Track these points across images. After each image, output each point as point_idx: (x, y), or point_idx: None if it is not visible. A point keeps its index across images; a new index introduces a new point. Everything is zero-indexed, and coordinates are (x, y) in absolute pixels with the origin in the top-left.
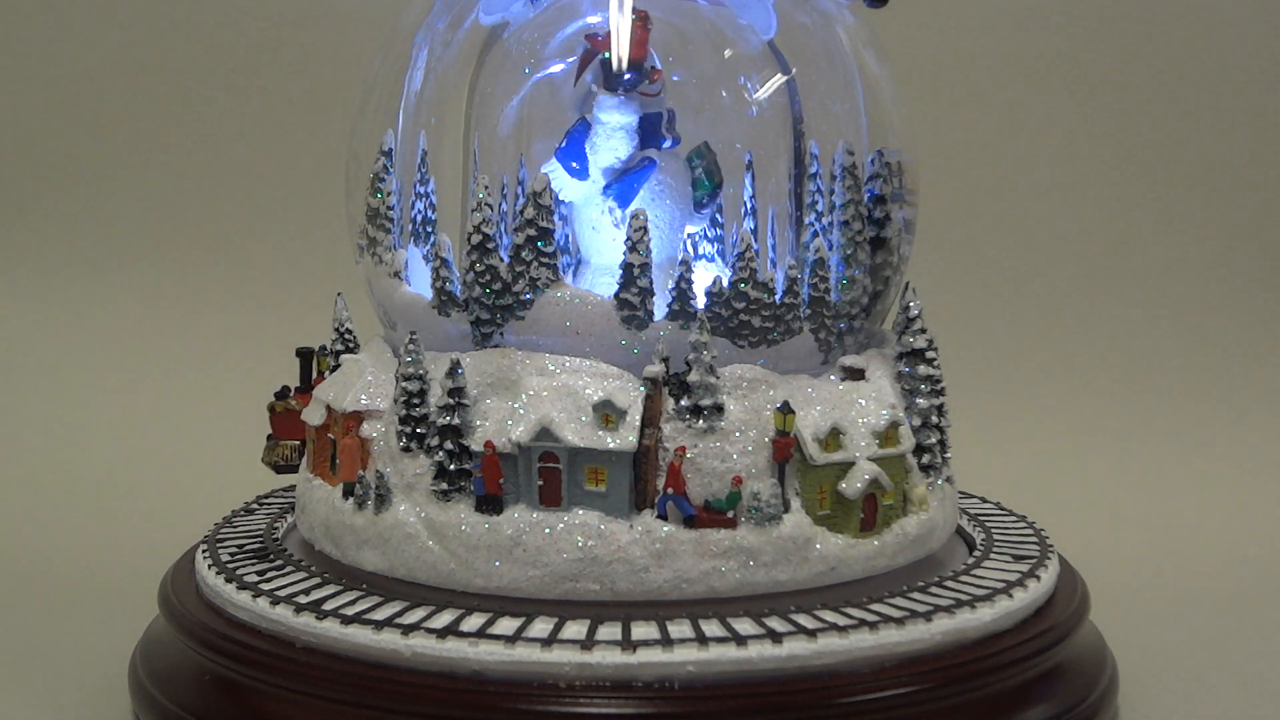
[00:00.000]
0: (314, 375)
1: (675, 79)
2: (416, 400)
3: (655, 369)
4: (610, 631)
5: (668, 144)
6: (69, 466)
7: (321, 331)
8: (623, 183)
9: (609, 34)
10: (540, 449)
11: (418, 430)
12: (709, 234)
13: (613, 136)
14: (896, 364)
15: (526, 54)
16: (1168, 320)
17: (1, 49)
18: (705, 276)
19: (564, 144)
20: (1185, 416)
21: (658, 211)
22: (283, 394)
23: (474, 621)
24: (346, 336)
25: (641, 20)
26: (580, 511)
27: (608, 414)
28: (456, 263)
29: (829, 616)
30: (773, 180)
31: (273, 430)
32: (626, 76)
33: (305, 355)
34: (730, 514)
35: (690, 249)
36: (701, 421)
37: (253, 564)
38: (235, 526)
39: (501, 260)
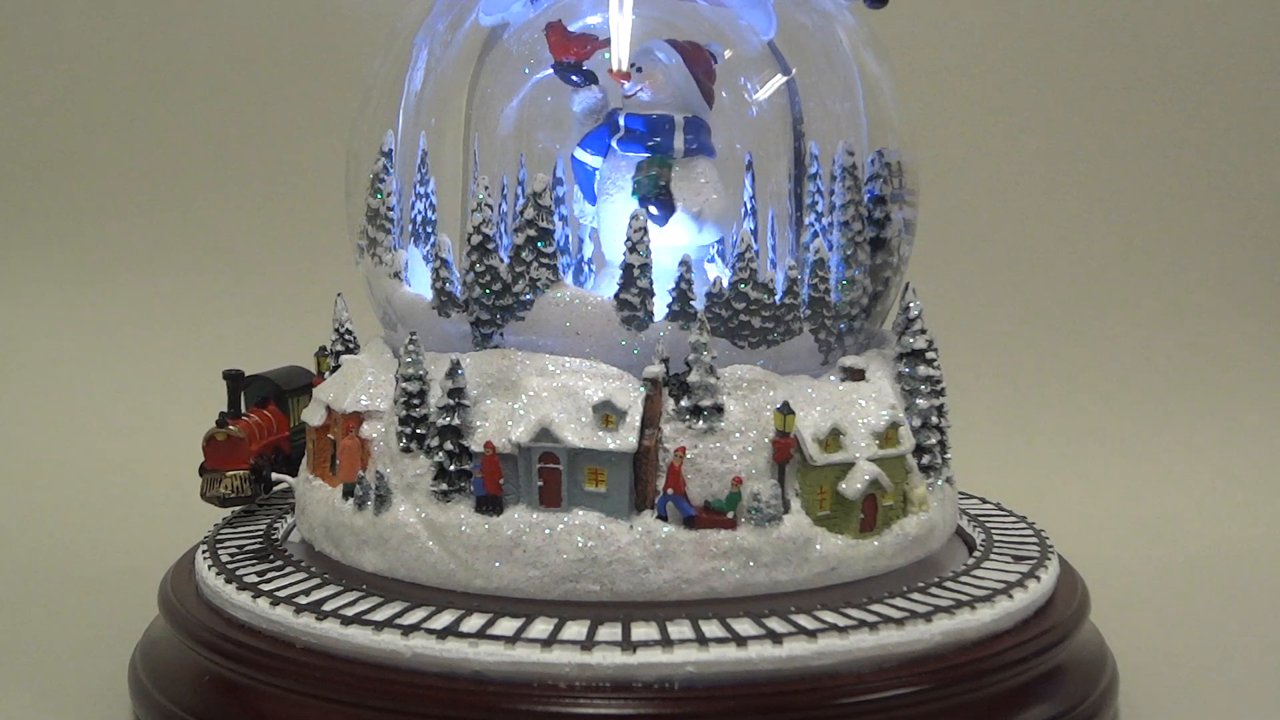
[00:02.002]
0: (242, 399)
1: None
2: (416, 401)
3: (655, 369)
4: (610, 632)
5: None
6: (69, 467)
7: (321, 332)
8: (577, 174)
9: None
10: (540, 449)
11: (418, 431)
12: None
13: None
14: (896, 364)
15: (526, 54)
16: (1168, 320)
17: (2, 50)
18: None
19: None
20: (1185, 417)
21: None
22: (223, 421)
23: (474, 622)
24: (346, 337)
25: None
26: (580, 512)
27: (608, 414)
28: (456, 263)
29: (829, 617)
30: (773, 181)
31: (211, 461)
32: (574, 78)
33: (234, 378)
34: (730, 514)
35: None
36: (701, 422)
37: (253, 564)
38: (235, 527)
39: (501, 261)
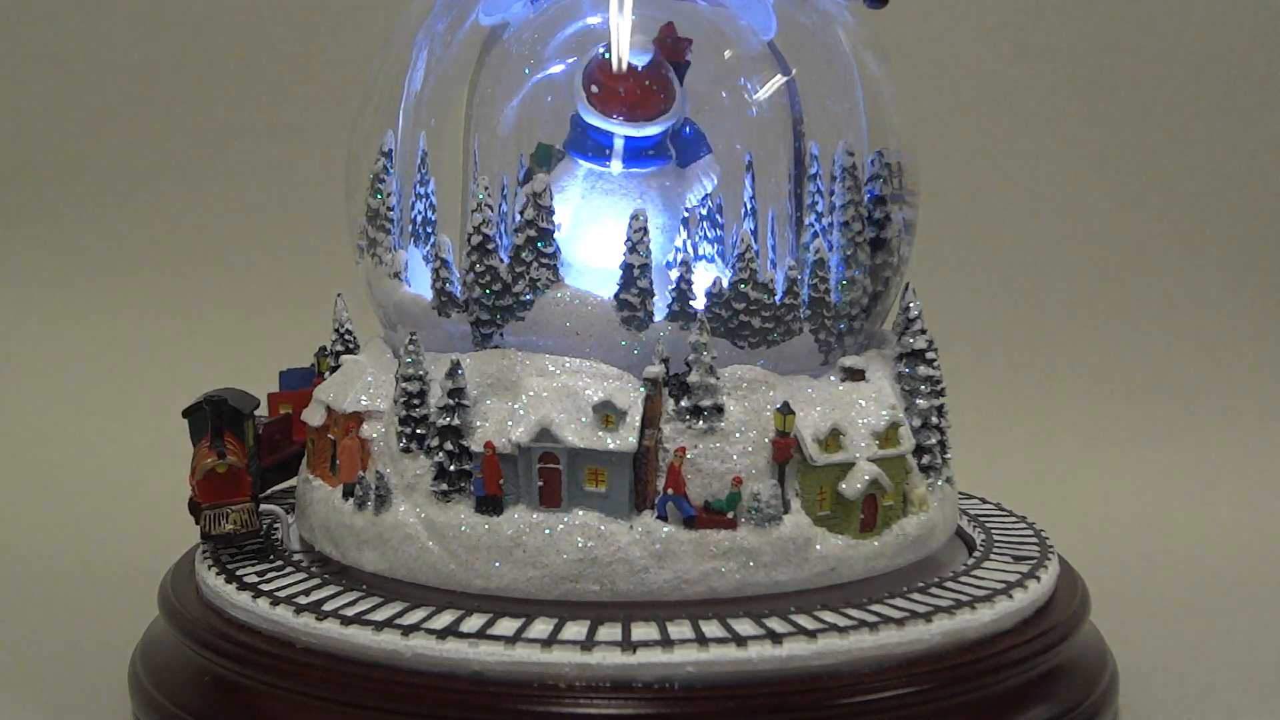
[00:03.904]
0: (222, 428)
1: None
2: (416, 401)
3: (655, 369)
4: (610, 632)
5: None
6: (69, 467)
7: (321, 332)
8: None
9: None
10: (540, 450)
11: (418, 431)
12: (708, 234)
13: None
14: (896, 364)
15: (526, 54)
16: (1168, 321)
17: (2, 50)
18: (705, 277)
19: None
20: (1186, 416)
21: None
22: (222, 451)
23: (474, 622)
24: (346, 337)
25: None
26: (580, 512)
27: (608, 415)
28: (456, 263)
29: (829, 617)
30: (773, 181)
31: (211, 495)
32: None
33: (217, 404)
34: (730, 515)
35: (690, 249)
36: (701, 422)
37: (253, 564)
38: None
39: (501, 261)
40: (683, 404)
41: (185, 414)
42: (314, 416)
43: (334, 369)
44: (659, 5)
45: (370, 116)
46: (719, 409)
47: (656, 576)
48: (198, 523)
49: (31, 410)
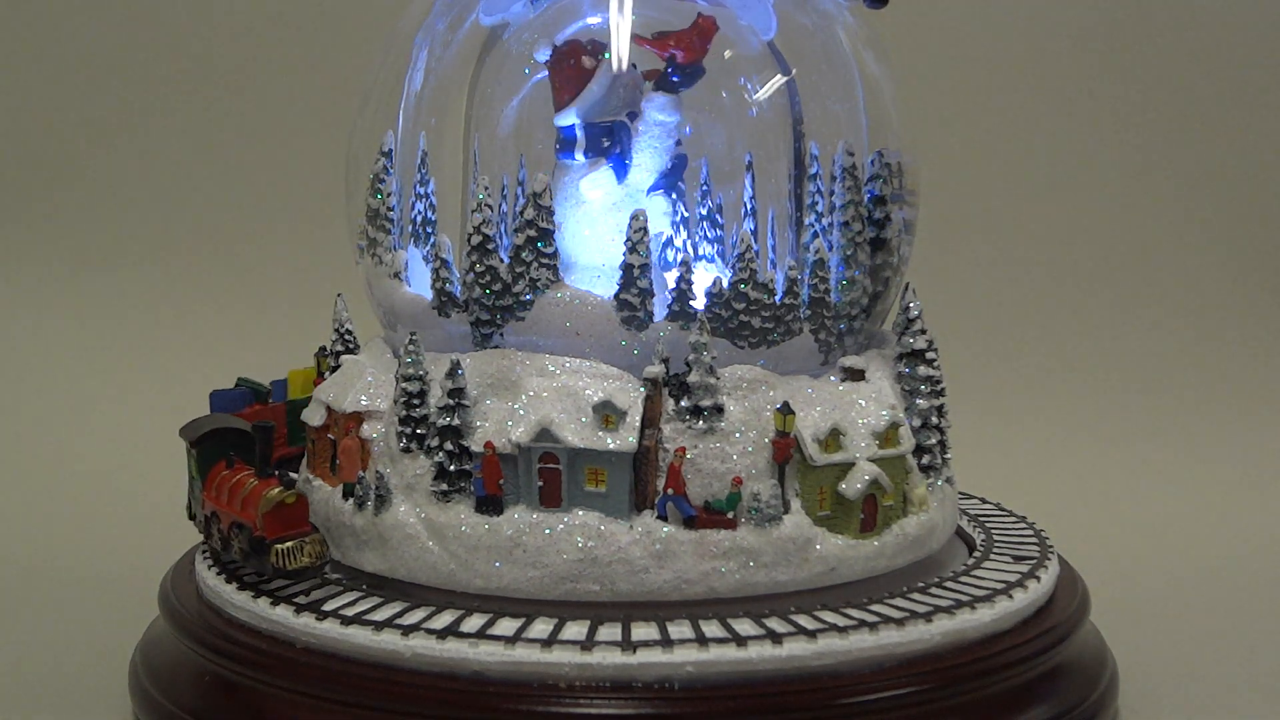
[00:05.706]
0: (271, 452)
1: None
2: (416, 401)
3: (655, 370)
4: (610, 632)
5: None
6: (69, 466)
7: (322, 332)
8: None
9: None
10: (540, 450)
11: (418, 431)
12: (708, 234)
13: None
14: (896, 365)
15: (526, 54)
16: (1168, 320)
17: (2, 49)
18: (705, 277)
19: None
20: (1186, 417)
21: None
22: (290, 482)
23: (474, 622)
24: (346, 337)
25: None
26: (580, 512)
27: (608, 415)
28: (456, 263)
29: (829, 617)
30: (773, 181)
31: (278, 528)
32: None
33: (265, 430)
34: (730, 515)
35: (690, 249)
36: (701, 422)
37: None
38: None
39: (501, 261)
40: (683, 404)
41: (196, 443)
42: (314, 416)
43: (334, 369)
44: (659, 5)
45: (370, 116)
46: (719, 409)
47: (656, 576)
48: (257, 558)
49: (31, 409)
